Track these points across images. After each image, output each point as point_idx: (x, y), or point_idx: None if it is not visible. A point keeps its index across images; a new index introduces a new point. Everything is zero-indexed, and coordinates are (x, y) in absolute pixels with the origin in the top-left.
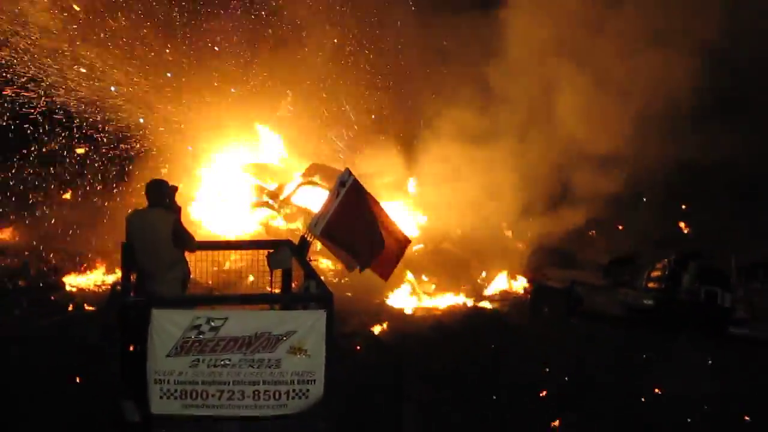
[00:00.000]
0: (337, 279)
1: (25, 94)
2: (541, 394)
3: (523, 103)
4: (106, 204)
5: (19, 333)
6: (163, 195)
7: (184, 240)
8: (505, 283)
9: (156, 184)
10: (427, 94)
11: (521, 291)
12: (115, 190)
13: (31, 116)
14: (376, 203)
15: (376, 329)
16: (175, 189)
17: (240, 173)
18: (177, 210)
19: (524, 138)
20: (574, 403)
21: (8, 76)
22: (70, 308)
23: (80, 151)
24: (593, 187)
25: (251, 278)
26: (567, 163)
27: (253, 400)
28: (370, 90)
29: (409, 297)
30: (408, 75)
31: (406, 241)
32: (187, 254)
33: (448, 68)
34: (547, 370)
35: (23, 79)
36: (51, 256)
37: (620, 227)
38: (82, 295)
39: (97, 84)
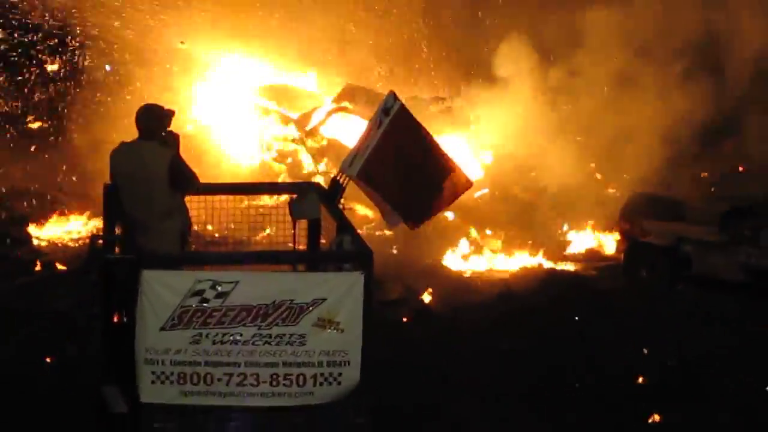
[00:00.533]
0: (378, 232)
1: None
2: (636, 383)
3: None
4: (82, 135)
5: None
6: (157, 123)
7: (184, 179)
8: (593, 239)
9: (148, 110)
10: None
11: (613, 250)
12: (94, 117)
13: None
14: (429, 136)
15: (427, 297)
16: (171, 114)
17: (254, 97)
18: (175, 141)
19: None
20: (679, 396)
21: None
22: (38, 267)
23: (52, 67)
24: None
25: (268, 231)
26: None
27: (270, 386)
28: None
29: (469, 256)
30: None
31: (466, 185)
32: (188, 200)
33: None
34: (645, 351)
35: None
36: (13, 200)
37: (741, 168)
38: (54, 250)
39: None
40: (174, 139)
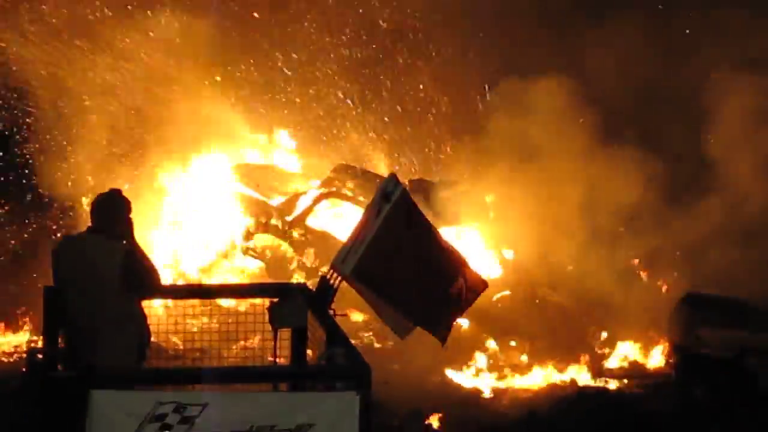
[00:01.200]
0: (378, 344)
1: None
2: None
3: None
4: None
5: None
6: (118, 218)
7: (141, 279)
8: (637, 351)
9: (113, 200)
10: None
11: (662, 364)
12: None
13: None
14: (434, 228)
15: (436, 422)
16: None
17: (226, 180)
18: (129, 229)
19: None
20: None
21: None
22: None
23: None
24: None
25: (244, 342)
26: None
27: None
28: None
29: (486, 373)
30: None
31: (480, 286)
32: (147, 305)
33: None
34: None
35: None
36: None
37: None
38: None
39: None
40: (128, 226)
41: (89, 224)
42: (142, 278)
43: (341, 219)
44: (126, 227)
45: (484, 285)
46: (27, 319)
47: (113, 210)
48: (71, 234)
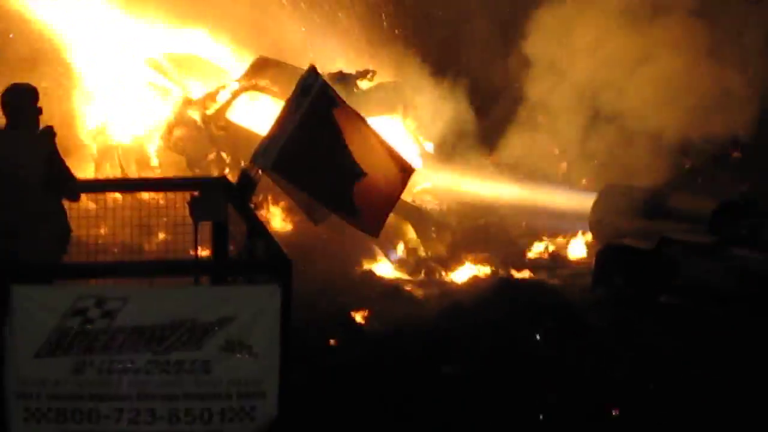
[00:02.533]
0: (298, 236)
1: None
2: (612, 414)
3: None
4: None
5: None
6: (31, 111)
7: (61, 179)
8: (559, 242)
9: (18, 92)
10: None
11: (583, 254)
12: None
13: None
14: (358, 117)
15: (359, 315)
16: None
17: (141, 69)
18: (51, 136)
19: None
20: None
21: None
22: None
23: None
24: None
25: (164, 236)
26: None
27: (169, 424)
28: None
29: (409, 264)
30: None
31: (407, 172)
32: (66, 202)
33: None
34: (618, 376)
35: None
36: None
37: (733, 153)
38: None
39: None
40: (49, 134)
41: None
42: (61, 177)
43: (261, 112)
44: (44, 130)
45: (409, 170)
46: None
47: (21, 102)
48: None
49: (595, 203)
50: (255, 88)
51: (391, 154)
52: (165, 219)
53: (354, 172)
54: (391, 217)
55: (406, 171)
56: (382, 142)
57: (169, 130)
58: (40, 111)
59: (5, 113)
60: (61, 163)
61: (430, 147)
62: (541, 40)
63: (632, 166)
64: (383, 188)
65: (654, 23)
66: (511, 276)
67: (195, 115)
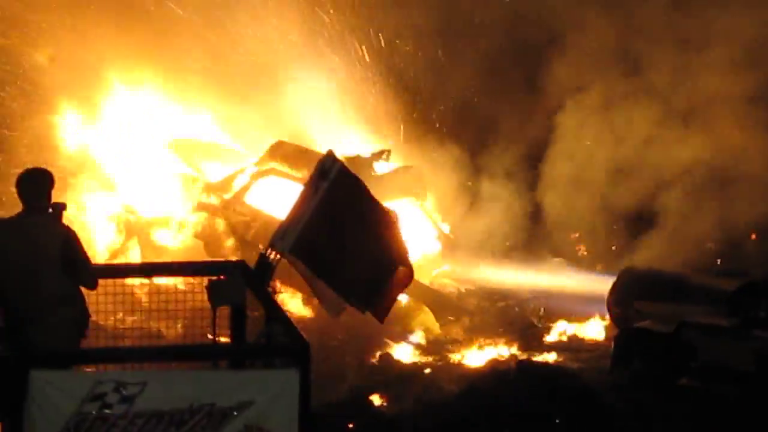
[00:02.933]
0: (316, 319)
1: None
2: None
3: None
4: None
5: None
6: (46, 194)
7: (79, 266)
8: (576, 326)
9: (35, 177)
10: None
11: (602, 337)
12: None
13: None
14: (377, 204)
15: (377, 398)
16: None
17: (162, 155)
18: (61, 207)
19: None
20: None
21: None
22: None
23: None
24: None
25: (183, 321)
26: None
27: None
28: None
29: (424, 348)
30: None
31: (408, 271)
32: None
33: None
34: None
35: None
36: None
37: (753, 236)
38: None
39: None
40: (59, 211)
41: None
42: (79, 264)
43: (279, 196)
44: (54, 206)
45: (409, 270)
46: None
47: (39, 187)
48: (4, 219)
49: (614, 286)
50: (273, 172)
51: (402, 246)
52: (183, 303)
53: (367, 258)
54: (410, 300)
55: (410, 268)
56: (398, 233)
57: (188, 214)
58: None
59: (23, 197)
60: (80, 247)
61: (447, 229)
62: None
63: (652, 249)
64: (393, 277)
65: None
66: (530, 359)
67: (213, 199)
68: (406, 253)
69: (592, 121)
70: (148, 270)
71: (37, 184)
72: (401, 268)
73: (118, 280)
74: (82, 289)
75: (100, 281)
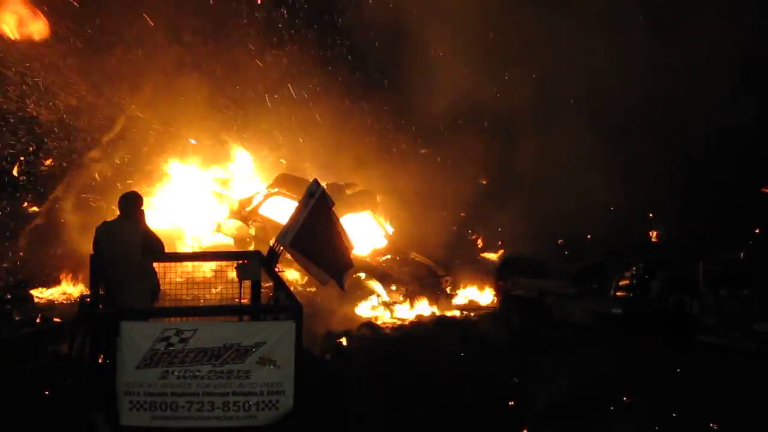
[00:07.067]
0: (308, 289)
1: None
2: (509, 404)
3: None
4: (71, 215)
5: None
6: (135, 208)
7: (154, 248)
8: (475, 292)
9: (132, 197)
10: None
11: (491, 301)
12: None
13: None
14: (334, 213)
15: (344, 339)
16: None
17: (206, 185)
18: (142, 217)
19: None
20: (543, 415)
21: None
22: (39, 320)
23: (47, 162)
24: (562, 197)
25: (219, 289)
26: (538, 173)
27: (222, 411)
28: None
29: (377, 307)
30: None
31: (351, 249)
32: (156, 265)
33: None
34: (516, 380)
35: None
36: (18, 267)
37: (588, 236)
38: (51, 307)
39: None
40: (141, 217)
41: (118, 213)
42: (153, 249)
43: (282, 209)
44: (140, 214)
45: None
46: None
47: (132, 203)
48: (107, 220)
49: (498, 267)
50: (279, 193)
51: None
52: (220, 278)
53: (335, 247)
54: (366, 275)
55: (351, 249)
56: (344, 231)
57: (223, 221)
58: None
59: (120, 209)
60: (153, 236)
61: (390, 230)
62: None
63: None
64: (346, 259)
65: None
66: (443, 314)
67: (239, 211)
68: (351, 246)
69: None
70: (199, 256)
71: (128, 201)
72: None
73: (179, 263)
74: (155, 266)
75: (166, 263)
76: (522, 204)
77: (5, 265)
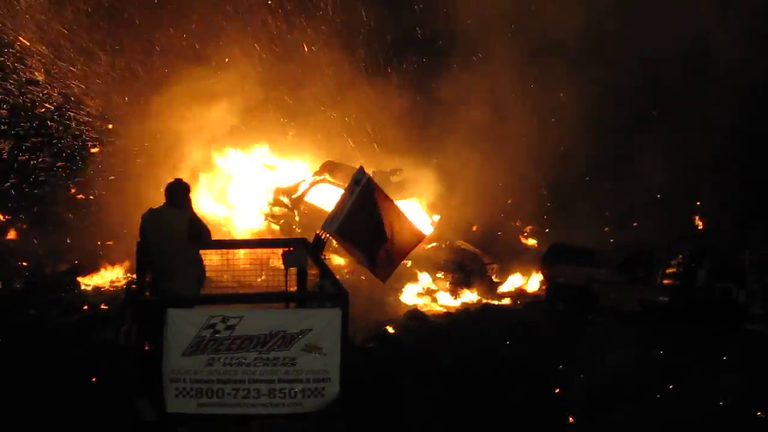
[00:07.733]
0: (351, 276)
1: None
2: (555, 392)
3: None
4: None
5: (35, 332)
6: (183, 196)
7: (200, 235)
8: (521, 280)
9: (179, 185)
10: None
11: (537, 289)
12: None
13: (42, 112)
14: (389, 201)
15: (390, 328)
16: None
17: (255, 173)
18: (189, 204)
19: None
20: (589, 402)
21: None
22: (86, 307)
23: (94, 150)
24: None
25: (265, 277)
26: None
27: (268, 399)
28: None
29: (422, 295)
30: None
31: (418, 237)
32: (203, 252)
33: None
34: (561, 367)
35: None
36: (66, 255)
37: (635, 224)
38: (98, 294)
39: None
40: (188, 204)
41: (165, 201)
42: (200, 236)
43: (328, 196)
44: (187, 202)
45: (420, 236)
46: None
47: (179, 191)
48: (153, 208)
49: (545, 255)
50: (324, 181)
51: (408, 224)
52: (267, 265)
53: (383, 236)
54: (412, 263)
55: (418, 236)
56: (404, 216)
57: (270, 208)
58: (189, 201)
59: (167, 197)
60: (199, 223)
61: (436, 218)
62: None
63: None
64: (399, 248)
65: None
66: (489, 302)
67: (286, 199)
68: (414, 228)
69: None
70: (245, 244)
71: (175, 189)
72: (411, 239)
73: (225, 251)
74: (201, 254)
75: (214, 251)
76: (569, 193)
77: (53, 252)
